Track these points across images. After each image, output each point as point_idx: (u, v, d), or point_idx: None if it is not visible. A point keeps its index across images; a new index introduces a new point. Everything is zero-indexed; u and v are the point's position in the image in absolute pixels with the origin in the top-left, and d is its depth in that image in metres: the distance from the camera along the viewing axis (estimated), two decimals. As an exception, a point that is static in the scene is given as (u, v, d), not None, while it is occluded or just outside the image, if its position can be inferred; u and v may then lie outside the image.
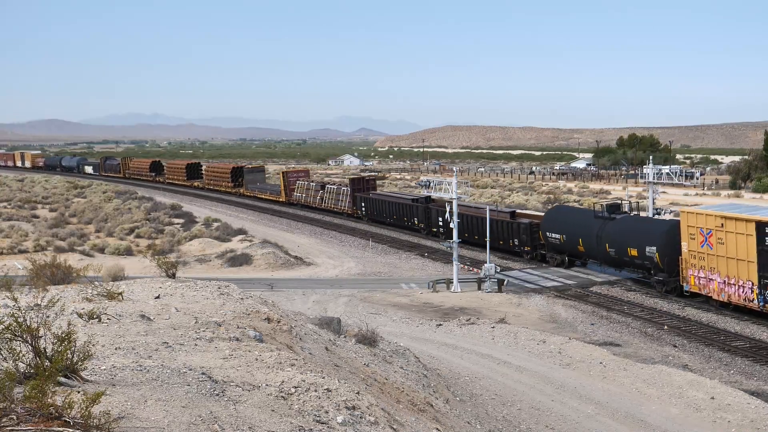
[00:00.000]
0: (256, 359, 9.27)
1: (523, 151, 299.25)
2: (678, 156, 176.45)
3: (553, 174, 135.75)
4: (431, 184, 47.78)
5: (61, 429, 5.53)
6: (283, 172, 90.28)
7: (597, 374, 22.74)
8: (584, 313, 34.63)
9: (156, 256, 29.30)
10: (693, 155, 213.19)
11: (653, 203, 43.37)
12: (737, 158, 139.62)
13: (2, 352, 6.80)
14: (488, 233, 42.29)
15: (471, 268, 45.61)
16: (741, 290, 31.86)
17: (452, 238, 39.73)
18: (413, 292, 39.26)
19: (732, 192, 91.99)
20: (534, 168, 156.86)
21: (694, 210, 35.80)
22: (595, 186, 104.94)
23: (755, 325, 30.98)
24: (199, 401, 7.03)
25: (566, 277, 42.27)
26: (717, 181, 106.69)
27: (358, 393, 8.74)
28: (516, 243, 48.30)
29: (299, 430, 6.83)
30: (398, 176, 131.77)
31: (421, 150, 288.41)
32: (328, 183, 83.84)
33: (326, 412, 7.55)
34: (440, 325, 30.51)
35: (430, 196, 53.94)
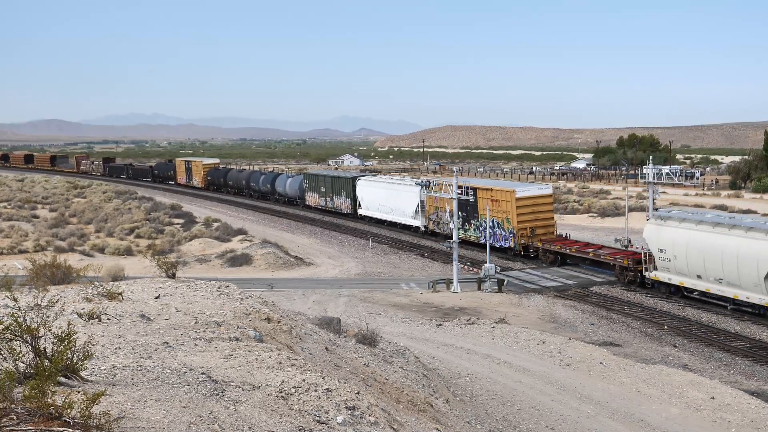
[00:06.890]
0: (256, 359, 9.26)
1: (523, 151, 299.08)
2: (678, 156, 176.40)
3: (553, 174, 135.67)
4: (431, 184, 47.85)
5: (61, 429, 5.53)
6: (76, 157, 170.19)
7: (597, 374, 22.74)
8: (584, 313, 34.64)
9: (156, 256, 29.22)
10: (693, 155, 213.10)
11: (653, 203, 43.32)
12: (737, 158, 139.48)
13: (2, 352, 6.80)
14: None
15: (471, 268, 45.60)
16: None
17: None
18: (413, 292, 39.26)
19: (732, 192, 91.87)
20: (534, 168, 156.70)
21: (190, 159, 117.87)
22: (595, 186, 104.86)
23: (755, 325, 31.01)
24: (199, 401, 7.03)
25: (566, 277, 42.31)
26: (717, 181, 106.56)
27: (358, 393, 8.73)
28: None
29: (299, 430, 6.83)
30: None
31: (421, 150, 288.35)
32: (95, 160, 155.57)
33: (326, 412, 7.55)
34: (440, 325, 30.50)
35: (132, 163, 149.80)
